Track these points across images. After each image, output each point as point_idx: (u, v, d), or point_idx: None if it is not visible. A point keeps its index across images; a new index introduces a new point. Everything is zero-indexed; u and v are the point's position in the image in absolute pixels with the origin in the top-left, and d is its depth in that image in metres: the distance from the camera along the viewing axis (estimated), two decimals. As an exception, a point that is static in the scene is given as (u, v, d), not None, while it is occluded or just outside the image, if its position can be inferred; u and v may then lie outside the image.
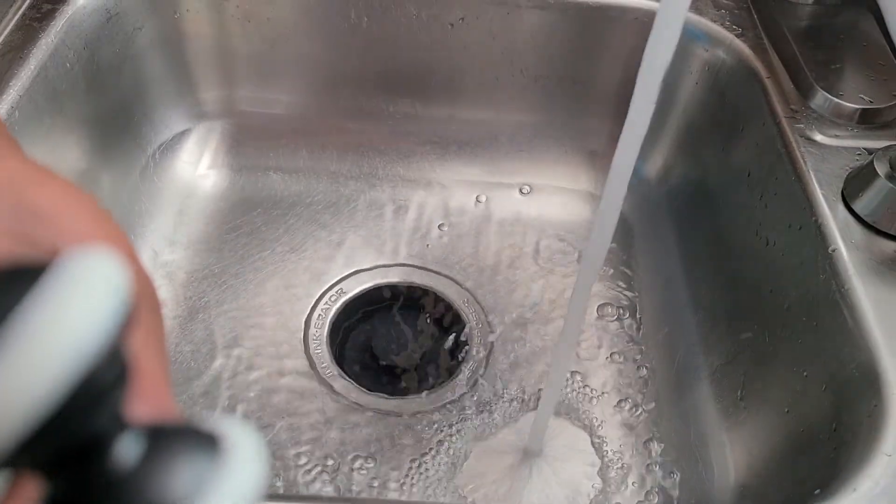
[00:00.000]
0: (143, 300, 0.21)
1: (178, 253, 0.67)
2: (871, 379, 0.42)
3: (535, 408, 0.59)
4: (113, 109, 0.65)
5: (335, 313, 0.64)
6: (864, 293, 0.45)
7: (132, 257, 0.22)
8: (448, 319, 0.65)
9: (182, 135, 0.72)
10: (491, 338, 0.63)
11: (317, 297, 0.65)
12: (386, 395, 0.59)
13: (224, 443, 0.16)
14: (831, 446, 0.43)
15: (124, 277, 0.15)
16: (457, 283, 0.67)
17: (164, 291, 0.64)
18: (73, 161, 0.60)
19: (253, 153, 0.74)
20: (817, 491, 0.39)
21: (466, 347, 0.62)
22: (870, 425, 0.40)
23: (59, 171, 0.58)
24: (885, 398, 0.41)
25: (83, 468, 0.15)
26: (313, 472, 0.55)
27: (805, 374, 0.48)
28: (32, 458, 0.15)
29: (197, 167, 0.72)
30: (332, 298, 0.65)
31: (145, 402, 0.18)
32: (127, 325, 0.15)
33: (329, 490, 0.54)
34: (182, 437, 0.16)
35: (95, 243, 0.20)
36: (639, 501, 0.54)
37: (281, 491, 0.53)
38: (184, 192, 0.71)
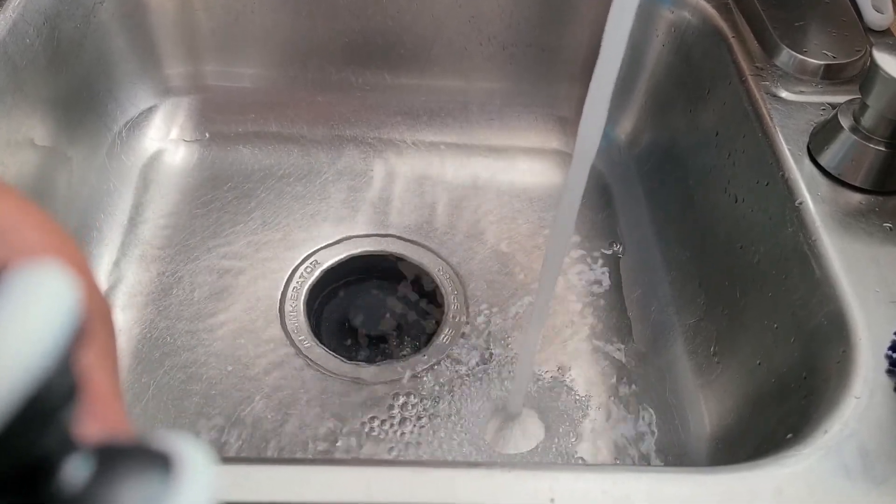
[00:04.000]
0: (95, 316, 0.20)
1: (150, 230, 0.66)
2: (839, 327, 0.43)
3: (513, 370, 0.59)
4: (76, 86, 0.64)
5: (311, 285, 0.64)
6: (831, 244, 0.46)
7: (85, 273, 0.21)
8: (424, 287, 0.65)
9: (149, 111, 0.71)
10: (466, 305, 0.63)
11: (292, 269, 0.64)
12: (364, 364, 0.60)
13: (175, 461, 0.16)
14: (802, 394, 0.44)
15: (75, 292, 0.15)
16: (431, 250, 0.67)
17: (137, 270, 0.64)
18: (37, 140, 0.59)
19: (222, 128, 0.73)
20: (789, 435, 0.40)
21: (443, 314, 0.63)
22: (839, 371, 0.41)
23: (23, 152, 0.57)
24: (853, 344, 0.42)
25: (31, 490, 0.15)
26: (293, 442, 0.55)
27: (776, 326, 0.49)
28: None
29: (165, 144, 0.71)
30: (308, 270, 0.65)
31: (96, 421, 0.18)
32: (77, 340, 0.15)
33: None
34: (132, 457, 0.16)
35: (47, 258, 0.20)
36: (617, 456, 0.55)
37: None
38: (153, 169, 0.70)
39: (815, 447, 0.37)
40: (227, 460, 0.41)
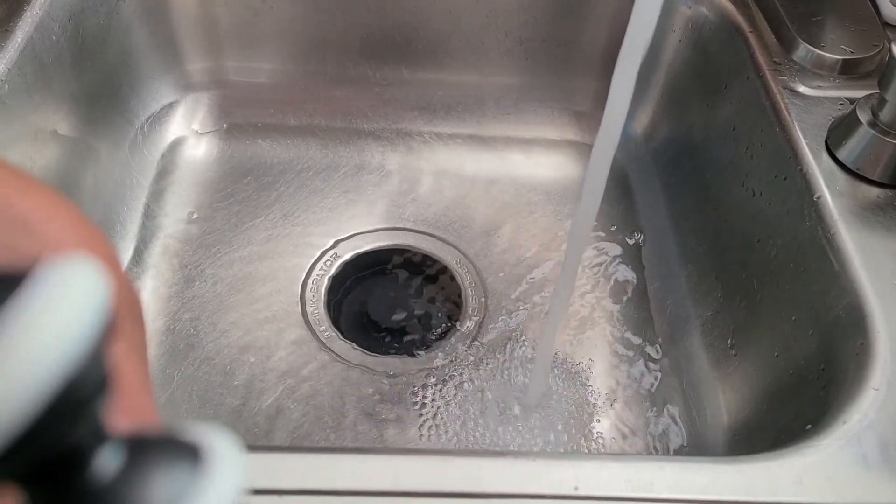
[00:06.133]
0: (125, 310, 0.21)
1: (172, 224, 0.67)
2: (857, 319, 0.43)
3: (532, 363, 0.60)
4: (100, 82, 0.65)
5: (331, 278, 0.65)
6: (850, 238, 0.47)
7: (115, 266, 0.22)
8: (442, 280, 0.66)
9: (170, 106, 0.72)
10: (485, 297, 0.64)
11: (312, 262, 0.65)
12: (384, 356, 0.60)
13: (205, 452, 0.16)
14: (820, 385, 0.45)
15: (105, 286, 0.15)
16: (450, 244, 0.67)
17: (160, 263, 0.65)
18: (62, 136, 0.60)
19: (241, 122, 0.74)
20: (808, 426, 0.40)
21: (461, 307, 0.64)
22: (857, 363, 0.42)
23: (49, 147, 0.58)
24: (870, 336, 0.42)
25: (63, 480, 0.15)
26: (316, 434, 0.56)
27: (793, 318, 0.50)
28: (11, 470, 0.14)
29: (186, 138, 0.72)
30: (328, 263, 0.65)
31: (126, 413, 0.18)
32: (108, 334, 0.15)
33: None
34: (162, 448, 0.16)
35: (77, 252, 0.20)
36: (634, 448, 0.56)
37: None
38: (174, 163, 0.71)
39: (834, 437, 0.38)
40: (255, 448, 0.41)
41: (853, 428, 0.38)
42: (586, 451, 0.56)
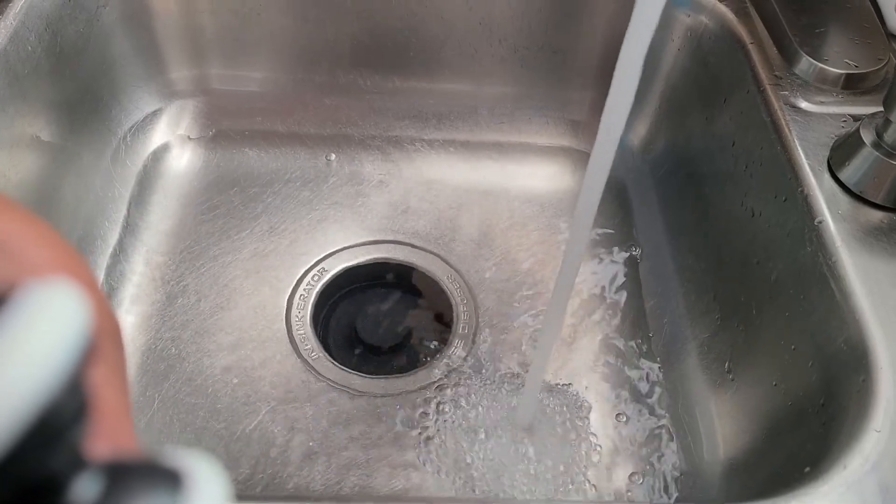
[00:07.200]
0: (104, 334, 0.20)
1: (155, 237, 0.65)
2: (859, 354, 0.42)
3: (524, 383, 0.58)
4: (80, 92, 0.63)
5: (318, 293, 0.63)
6: (852, 265, 0.45)
7: (93, 289, 0.21)
8: (433, 296, 0.64)
9: (153, 115, 0.70)
10: (477, 313, 0.62)
11: (298, 276, 0.64)
12: (371, 376, 0.59)
13: (185, 479, 0.16)
14: (820, 421, 0.43)
15: (84, 310, 0.15)
16: (441, 258, 0.66)
17: (141, 278, 0.63)
18: (41, 149, 0.58)
19: (227, 132, 0.72)
20: (807, 469, 0.39)
21: (452, 325, 0.62)
22: (858, 401, 0.40)
23: (27, 161, 0.56)
24: (873, 374, 0.40)
25: None
26: (299, 457, 0.54)
27: (793, 347, 0.48)
28: None
29: (170, 148, 0.70)
30: (315, 278, 0.64)
31: (105, 439, 0.18)
32: (87, 359, 0.15)
33: (315, 475, 0.54)
34: (142, 475, 0.16)
35: (56, 275, 0.20)
36: (629, 474, 0.54)
37: (264, 482, 0.53)
38: (157, 174, 0.69)
39: (834, 484, 0.36)
40: (241, 498, 0.40)
41: (854, 473, 0.37)
42: (577, 473, 0.54)
